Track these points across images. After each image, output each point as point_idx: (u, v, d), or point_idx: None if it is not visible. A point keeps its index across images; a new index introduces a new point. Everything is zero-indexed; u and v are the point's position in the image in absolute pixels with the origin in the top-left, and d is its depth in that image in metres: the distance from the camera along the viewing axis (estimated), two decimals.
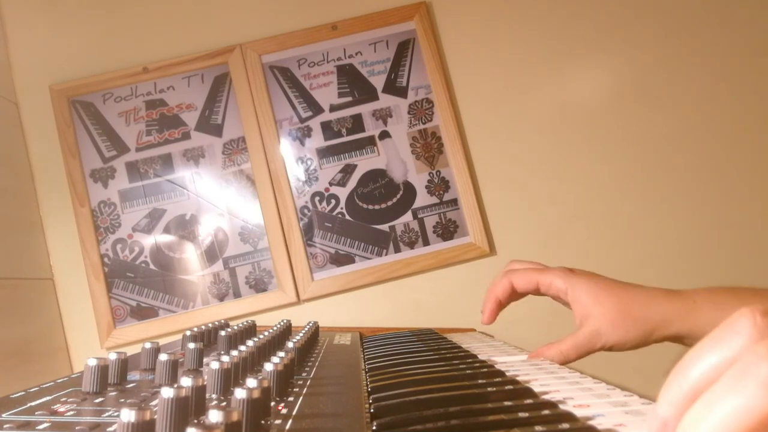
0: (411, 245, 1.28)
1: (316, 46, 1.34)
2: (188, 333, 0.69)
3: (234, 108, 1.32)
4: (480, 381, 0.48)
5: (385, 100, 1.33)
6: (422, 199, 1.30)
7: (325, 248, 1.28)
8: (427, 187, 1.30)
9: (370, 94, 1.33)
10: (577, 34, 1.36)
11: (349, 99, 1.33)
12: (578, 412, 0.37)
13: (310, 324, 0.79)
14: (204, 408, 0.35)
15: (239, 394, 0.32)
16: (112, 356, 0.48)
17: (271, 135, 1.31)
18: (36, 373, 1.13)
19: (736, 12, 1.37)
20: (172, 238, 1.29)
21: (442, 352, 0.67)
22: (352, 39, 1.34)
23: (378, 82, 1.34)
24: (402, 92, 1.33)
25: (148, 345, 0.57)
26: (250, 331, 0.74)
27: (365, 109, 1.33)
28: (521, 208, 1.31)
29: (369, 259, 1.28)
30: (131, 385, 0.48)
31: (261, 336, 0.59)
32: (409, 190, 1.30)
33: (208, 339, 0.72)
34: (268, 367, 0.42)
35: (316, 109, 1.33)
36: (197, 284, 1.27)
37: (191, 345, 0.54)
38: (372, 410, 0.40)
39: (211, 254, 1.28)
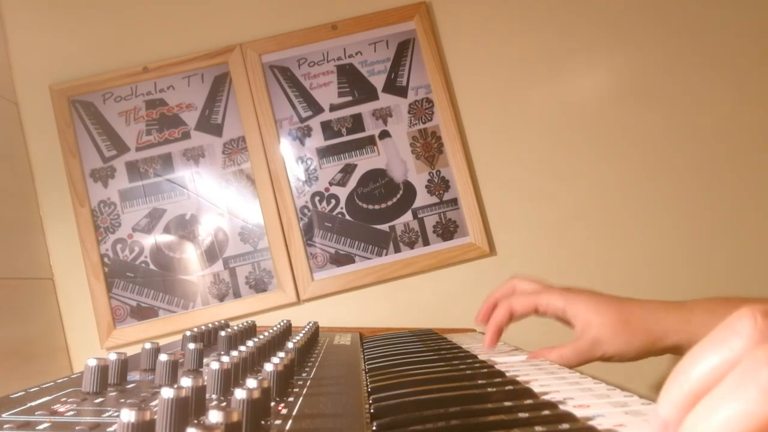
0: (411, 245, 1.28)
1: (316, 46, 1.34)
2: (188, 333, 0.69)
3: (234, 108, 1.32)
4: (480, 381, 0.48)
5: (385, 100, 1.33)
6: (422, 198, 1.30)
7: (325, 248, 1.28)
8: (427, 186, 1.30)
9: (370, 94, 1.33)
10: (577, 33, 1.36)
11: (349, 99, 1.33)
12: (578, 413, 0.37)
13: (310, 324, 0.79)
14: (204, 408, 0.35)
15: (239, 394, 0.32)
16: (112, 356, 0.48)
17: (271, 135, 1.31)
18: (36, 373, 1.13)
19: (737, 12, 1.37)
20: (172, 238, 1.29)
21: (442, 352, 0.67)
22: (352, 39, 1.34)
23: (378, 81, 1.34)
24: (402, 92, 1.33)
25: (148, 345, 0.57)
26: (250, 331, 0.74)
27: (365, 109, 1.33)
28: (521, 208, 1.31)
29: (369, 259, 1.28)
30: (131, 385, 0.48)
31: (261, 336, 0.59)
32: (409, 190, 1.30)
33: (208, 339, 0.72)
34: (268, 367, 0.42)
35: (316, 108, 1.33)
36: (197, 284, 1.27)
37: (191, 345, 0.54)
38: (372, 410, 0.40)
39: (211, 254, 1.28)
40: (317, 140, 1.32)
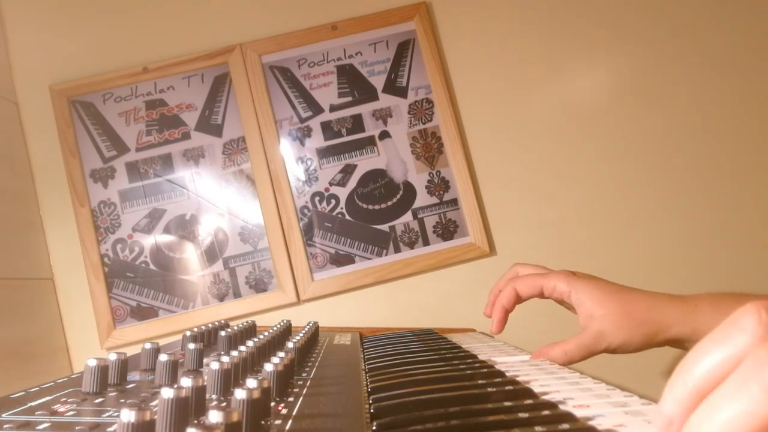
0: (411, 245, 1.28)
1: (316, 46, 1.34)
2: (188, 333, 0.69)
3: (234, 108, 1.32)
4: (480, 381, 0.48)
5: (385, 100, 1.33)
6: (422, 199, 1.30)
7: (325, 248, 1.28)
8: (427, 187, 1.30)
9: (370, 94, 1.33)
10: (577, 33, 1.36)
11: (349, 99, 1.33)
12: (578, 413, 0.37)
13: (310, 324, 0.79)
14: (204, 408, 0.35)
15: (239, 394, 0.32)
16: (112, 356, 0.48)
17: (271, 135, 1.31)
18: (36, 373, 1.13)
19: (737, 11, 1.37)
20: (172, 238, 1.29)
21: (442, 352, 0.67)
22: (352, 39, 1.34)
23: (378, 82, 1.34)
24: (402, 92, 1.33)
25: (148, 345, 0.57)
26: (250, 331, 0.74)
27: (365, 109, 1.33)
28: (521, 208, 1.31)
29: (369, 259, 1.28)
30: (131, 385, 0.48)
31: (261, 336, 0.59)
32: (409, 190, 1.30)
33: (208, 339, 0.72)
34: (268, 367, 0.42)
35: (316, 109, 1.33)
36: (197, 284, 1.27)
37: (191, 345, 0.54)
38: (372, 410, 0.40)
39: (211, 254, 1.28)
40: (317, 140, 1.32)
